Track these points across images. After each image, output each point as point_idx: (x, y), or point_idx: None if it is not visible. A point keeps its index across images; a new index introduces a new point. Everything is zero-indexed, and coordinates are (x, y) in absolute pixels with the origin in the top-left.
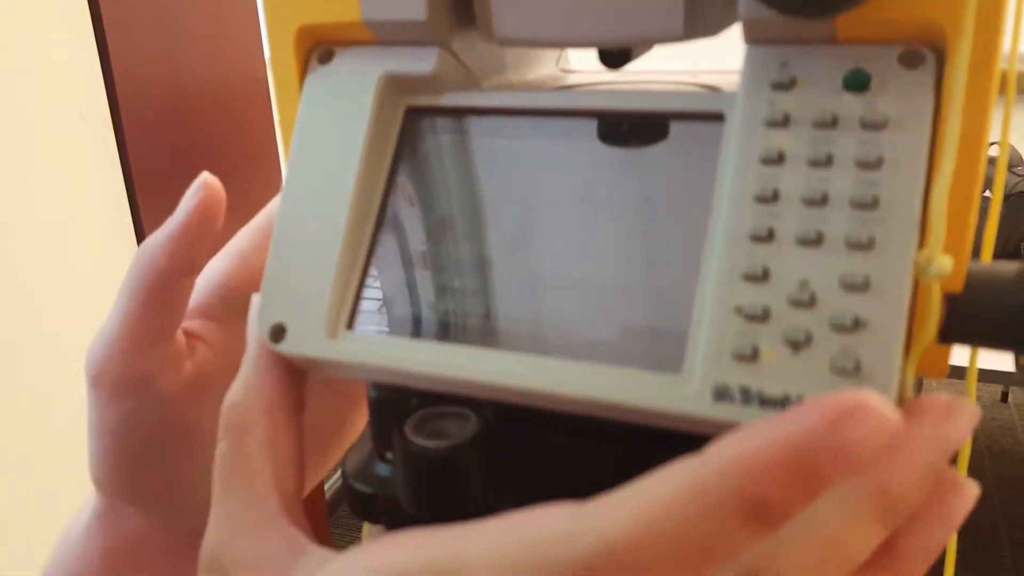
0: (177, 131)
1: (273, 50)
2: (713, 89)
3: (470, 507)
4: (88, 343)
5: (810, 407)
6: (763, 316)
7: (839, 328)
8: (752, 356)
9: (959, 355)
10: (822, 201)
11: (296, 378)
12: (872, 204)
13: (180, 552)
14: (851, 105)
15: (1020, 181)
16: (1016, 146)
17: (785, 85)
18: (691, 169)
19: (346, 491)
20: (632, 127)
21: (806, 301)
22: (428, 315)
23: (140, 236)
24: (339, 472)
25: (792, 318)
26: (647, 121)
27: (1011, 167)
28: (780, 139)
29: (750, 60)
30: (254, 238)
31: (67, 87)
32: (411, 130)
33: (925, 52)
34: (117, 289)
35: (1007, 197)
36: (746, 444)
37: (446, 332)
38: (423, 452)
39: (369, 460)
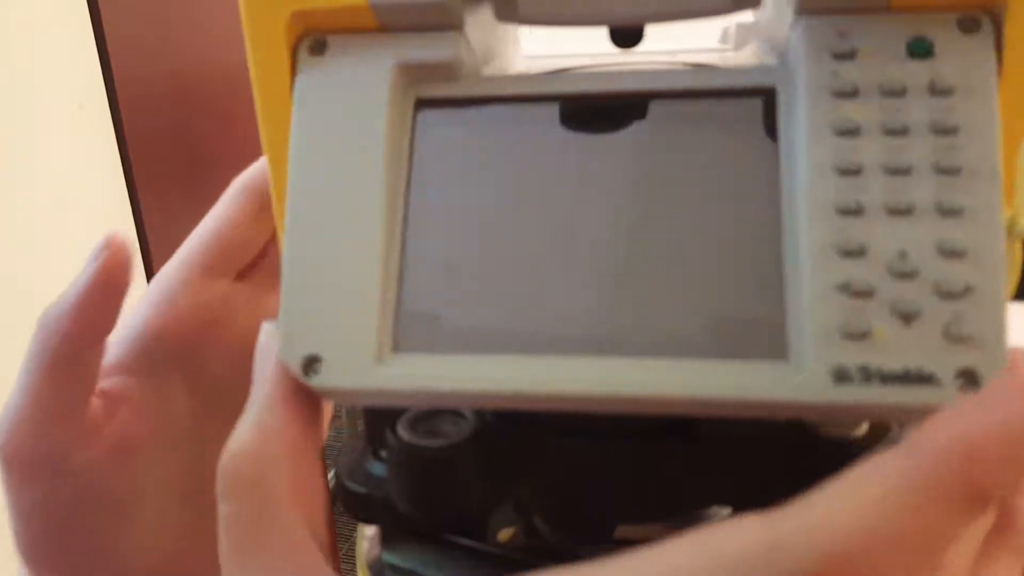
0: (176, 120)
1: (253, 42)
2: (705, 67)
3: (466, 507)
4: None
5: (1015, 387)
6: (868, 291)
7: (946, 296)
8: (864, 334)
9: None
10: (906, 170)
11: (316, 413)
12: (955, 170)
13: None
14: (917, 72)
15: None
16: None
17: (847, 55)
18: (744, 147)
19: (339, 490)
20: (680, 107)
21: (908, 272)
22: (485, 326)
23: (139, 226)
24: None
25: (897, 290)
26: (695, 99)
27: None
28: (852, 110)
29: (805, 30)
30: (175, 278)
31: (65, 77)
32: (428, 124)
33: (982, 17)
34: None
35: None
36: (959, 431)
37: (511, 343)
38: (418, 452)
39: (362, 459)
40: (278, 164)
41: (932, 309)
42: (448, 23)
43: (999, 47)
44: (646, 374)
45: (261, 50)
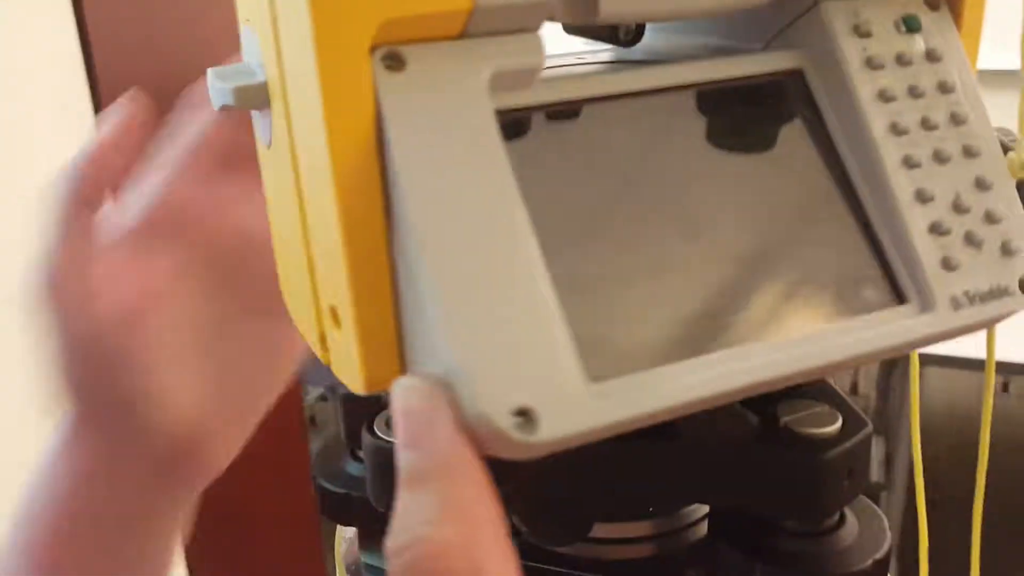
0: (161, 121)
1: (324, 54)
2: (721, 58)
3: None
4: None
5: None
6: (947, 230)
7: (994, 220)
8: (955, 265)
9: (977, 343)
10: (935, 125)
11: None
12: (964, 119)
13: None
14: (916, 44)
15: None
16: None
17: (867, 33)
18: (795, 124)
19: (317, 491)
20: (732, 95)
21: (966, 207)
22: (656, 334)
23: None
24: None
25: (964, 224)
26: (743, 87)
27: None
28: (884, 79)
29: (828, 15)
30: (176, 173)
31: (48, 78)
32: (524, 133)
33: None
34: None
35: None
36: None
37: (685, 346)
38: (395, 449)
39: (340, 458)
40: (354, 179)
41: (988, 234)
42: (531, 25)
43: (956, 19)
44: (820, 344)
45: (334, 64)
